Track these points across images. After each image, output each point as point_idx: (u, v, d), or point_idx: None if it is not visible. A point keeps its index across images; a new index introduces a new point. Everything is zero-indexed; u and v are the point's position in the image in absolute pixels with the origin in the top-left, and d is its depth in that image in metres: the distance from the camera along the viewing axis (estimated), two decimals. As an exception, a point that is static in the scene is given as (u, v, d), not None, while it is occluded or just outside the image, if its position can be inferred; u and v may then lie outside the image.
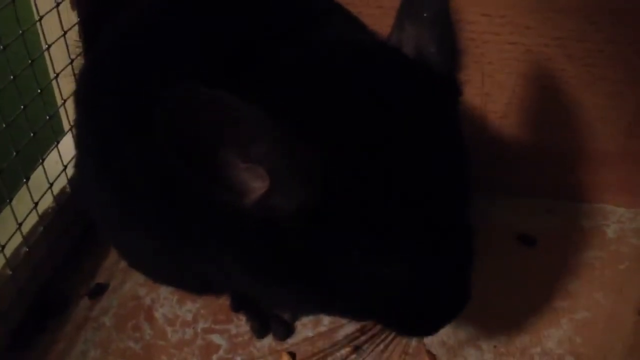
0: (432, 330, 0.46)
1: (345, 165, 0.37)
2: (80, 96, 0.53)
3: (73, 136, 0.60)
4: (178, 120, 0.33)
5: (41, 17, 0.54)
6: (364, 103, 0.39)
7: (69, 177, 0.61)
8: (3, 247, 0.52)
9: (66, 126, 0.62)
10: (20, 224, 0.54)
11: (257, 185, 0.37)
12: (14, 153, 0.53)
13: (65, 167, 0.60)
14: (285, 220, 0.38)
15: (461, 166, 0.42)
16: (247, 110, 0.34)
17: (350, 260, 0.39)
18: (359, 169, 0.37)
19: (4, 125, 0.51)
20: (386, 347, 0.56)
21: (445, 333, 0.57)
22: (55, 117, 0.60)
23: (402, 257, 0.40)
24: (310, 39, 0.45)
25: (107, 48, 0.50)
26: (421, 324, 0.45)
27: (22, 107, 0.53)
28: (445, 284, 0.42)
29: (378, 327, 0.50)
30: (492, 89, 0.66)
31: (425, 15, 0.42)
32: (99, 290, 0.61)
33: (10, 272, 0.53)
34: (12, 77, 0.51)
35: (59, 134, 0.62)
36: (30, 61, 0.54)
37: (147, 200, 0.45)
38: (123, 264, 0.62)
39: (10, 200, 0.53)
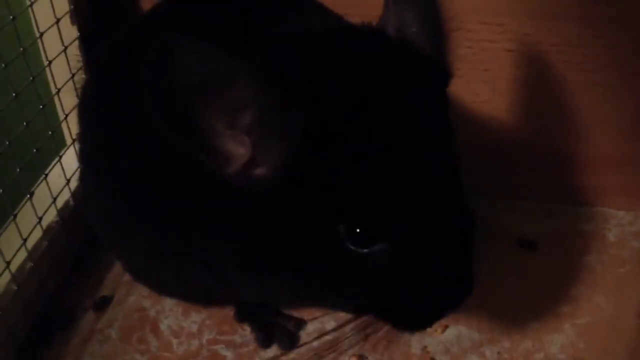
0: (425, 324, 0.44)
1: (329, 132, 0.37)
2: (83, 109, 0.53)
3: (75, 150, 0.61)
4: (164, 69, 0.33)
5: (42, 34, 0.54)
6: (347, 74, 0.39)
7: (72, 190, 0.61)
8: (8, 263, 0.52)
9: (68, 140, 0.63)
10: (25, 240, 0.54)
11: (240, 152, 0.37)
12: (17, 170, 0.53)
13: (69, 180, 0.60)
14: (266, 190, 0.38)
15: (449, 142, 0.41)
16: (240, 72, 0.34)
17: (334, 236, 0.39)
18: (342, 138, 0.37)
19: (7, 143, 0.51)
20: (390, 355, 0.57)
21: (449, 341, 0.58)
22: (57, 131, 0.60)
23: (390, 235, 0.39)
24: (298, 24, 0.45)
25: (108, 61, 0.51)
26: (414, 316, 0.43)
27: (24, 123, 0.53)
28: (443, 270, 0.40)
29: (380, 334, 0.51)
30: (490, 95, 0.67)
31: None
32: (104, 303, 0.61)
33: (16, 288, 0.54)
34: (14, 94, 0.52)
35: (61, 147, 0.62)
36: (31, 78, 0.54)
37: (148, 207, 0.46)
38: (127, 275, 0.62)
39: (15, 217, 0.53)
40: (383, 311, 0.43)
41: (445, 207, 0.40)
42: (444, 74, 0.43)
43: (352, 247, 0.39)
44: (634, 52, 0.62)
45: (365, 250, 0.39)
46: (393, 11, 0.42)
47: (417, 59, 0.41)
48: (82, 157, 0.54)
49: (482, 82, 0.66)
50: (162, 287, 0.56)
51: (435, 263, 0.40)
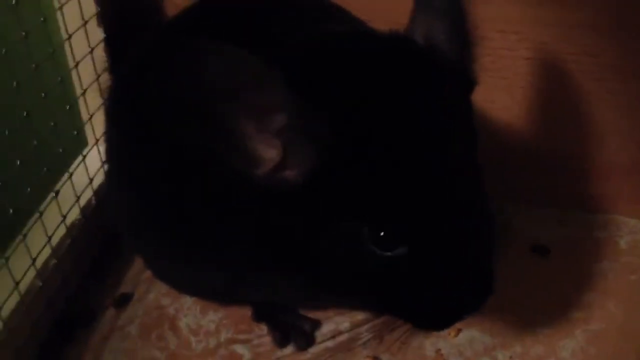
0: (445, 324, 0.44)
1: (356, 136, 0.38)
2: (110, 110, 0.55)
3: (99, 150, 0.62)
4: (196, 75, 0.33)
5: (70, 36, 0.56)
6: (374, 79, 0.40)
7: (94, 189, 0.63)
8: (34, 259, 0.53)
9: (91, 139, 0.64)
10: (50, 237, 0.55)
11: (270, 155, 0.38)
12: (45, 169, 0.54)
13: (92, 180, 0.61)
14: (293, 191, 0.39)
15: (473, 147, 0.43)
16: (272, 77, 0.35)
17: (357, 238, 0.39)
18: (368, 141, 0.38)
19: (35, 143, 0.52)
20: (404, 357, 0.58)
21: (462, 344, 0.59)
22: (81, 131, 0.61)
23: (413, 238, 0.40)
24: (326, 30, 0.46)
25: (137, 63, 0.52)
26: (434, 316, 0.43)
27: (52, 123, 0.54)
28: (464, 272, 0.41)
29: (395, 335, 0.51)
30: (508, 103, 0.68)
31: (436, 3, 0.43)
32: (124, 300, 0.62)
33: (41, 284, 0.55)
34: (43, 94, 0.53)
35: (83, 146, 0.63)
36: (59, 78, 0.55)
37: (170, 207, 0.47)
38: (147, 273, 0.64)
39: (41, 215, 0.54)
40: (402, 311, 0.44)
41: (467, 210, 0.41)
42: (469, 81, 0.44)
43: (376, 250, 0.40)
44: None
45: (388, 254, 0.40)
46: (420, 19, 0.44)
47: (443, 66, 0.42)
48: (108, 156, 0.55)
49: (499, 89, 0.67)
50: (183, 285, 0.57)
51: (456, 264, 0.41)
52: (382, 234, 0.39)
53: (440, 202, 0.39)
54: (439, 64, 0.42)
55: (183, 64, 0.34)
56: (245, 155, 0.38)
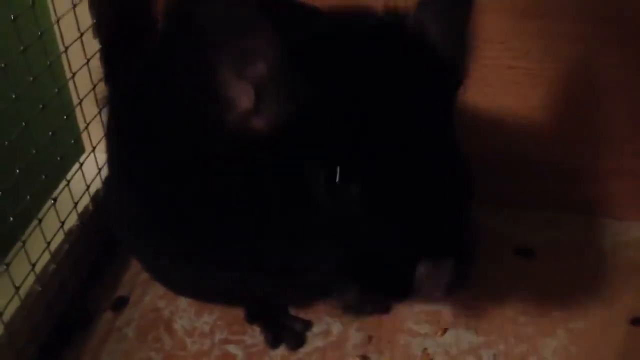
0: (403, 289, 0.41)
1: (329, 98, 0.39)
2: (112, 111, 0.56)
3: (95, 157, 0.64)
4: (186, 17, 0.35)
5: (67, 48, 0.57)
6: (357, 55, 0.40)
7: (91, 195, 0.64)
8: (34, 265, 0.55)
9: (87, 147, 0.66)
10: (48, 243, 0.57)
11: (242, 103, 0.40)
12: (43, 177, 0.56)
13: (88, 186, 0.63)
14: (260, 143, 0.40)
15: (450, 128, 0.43)
16: (260, 25, 0.36)
17: (315, 182, 0.40)
18: (341, 104, 0.39)
19: (34, 152, 0.54)
20: (392, 356, 0.60)
21: (448, 343, 0.61)
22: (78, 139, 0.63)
23: (365, 173, 0.40)
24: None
25: (136, 65, 0.53)
26: (390, 277, 0.41)
27: (50, 133, 0.56)
28: (423, 219, 0.40)
29: (383, 335, 0.53)
30: (491, 108, 0.70)
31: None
32: (121, 303, 0.64)
33: (40, 289, 0.57)
34: (41, 105, 0.55)
35: (80, 153, 0.65)
36: (57, 90, 0.57)
37: (167, 211, 0.48)
38: (143, 277, 0.66)
39: (40, 221, 0.56)
40: (366, 273, 0.42)
41: (429, 153, 0.41)
42: (456, 73, 0.44)
43: (333, 190, 0.40)
44: (637, 71, 0.65)
45: (344, 192, 0.40)
46: (424, 10, 0.44)
47: (429, 51, 0.43)
48: (108, 162, 0.57)
49: (484, 95, 0.69)
50: (180, 286, 0.59)
51: (414, 209, 0.40)
52: (337, 173, 0.40)
53: (394, 142, 0.40)
54: (425, 47, 0.43)
55: (174, 6, 0.36)
56: (220, 100, 0.39)
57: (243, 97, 0.40)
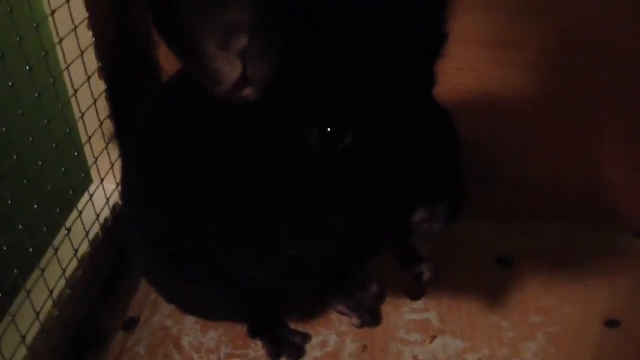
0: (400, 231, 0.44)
1: (313, 48, 0.40)
2: (133, 143, 0.60)
3: (104, 188, 0.69)
4: None
5: (76, 91, 0.63)
6: (338, 7, 0.41)
7: (101, 224, 0.69)
8: (52, 291, 0.60)
9: (95, 178, 0.71)
10: (64, 270, 0.62)
11: (231, 73, 0.41)
12: (58, 210, 0.61)
13: (98, 216, 0.68)
14: (252, 109, 0.42)
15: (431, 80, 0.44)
16: None
17: (308, 141, 0.41)
18: (325, 52, 0.40)
19: (49, 188, 0.59)
20: (385, 364, 0.65)
21: (437, 350, 0.65)
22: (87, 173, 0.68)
23: (359, 128, 0.41)
24: None
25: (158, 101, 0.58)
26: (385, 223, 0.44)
27: (63, 169, 0.61)
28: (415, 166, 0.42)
29: (376, 344, 0.57)
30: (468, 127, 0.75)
31: None
32: (132, 323, 0.69)
33: (58, 313, 0.61)
34: (54, 145, 0.60)
35: (88, 184, 0.70)
36: (68, 130, 0.62)
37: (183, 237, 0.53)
38: (151, 298, 0.71)
39: (57, 251, 0.61)
40: (365, 227, 0.45)
41: (416, 105, 0.42)
42: (440, 33, 0.45)
43: (326, 146, 0.42)
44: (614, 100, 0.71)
45: (338, 146, 0.42)
46: None
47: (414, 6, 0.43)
48: (124, 188, 0.61)
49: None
50: (188, 306, 0.64)
51: (405, 159, 0.42)
52: (329, 129, 0.41)
53: (382, 90, 0.41)
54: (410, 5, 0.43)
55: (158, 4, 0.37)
56: (208, 72, 0.41)
57: (231, 69, 0.41)
